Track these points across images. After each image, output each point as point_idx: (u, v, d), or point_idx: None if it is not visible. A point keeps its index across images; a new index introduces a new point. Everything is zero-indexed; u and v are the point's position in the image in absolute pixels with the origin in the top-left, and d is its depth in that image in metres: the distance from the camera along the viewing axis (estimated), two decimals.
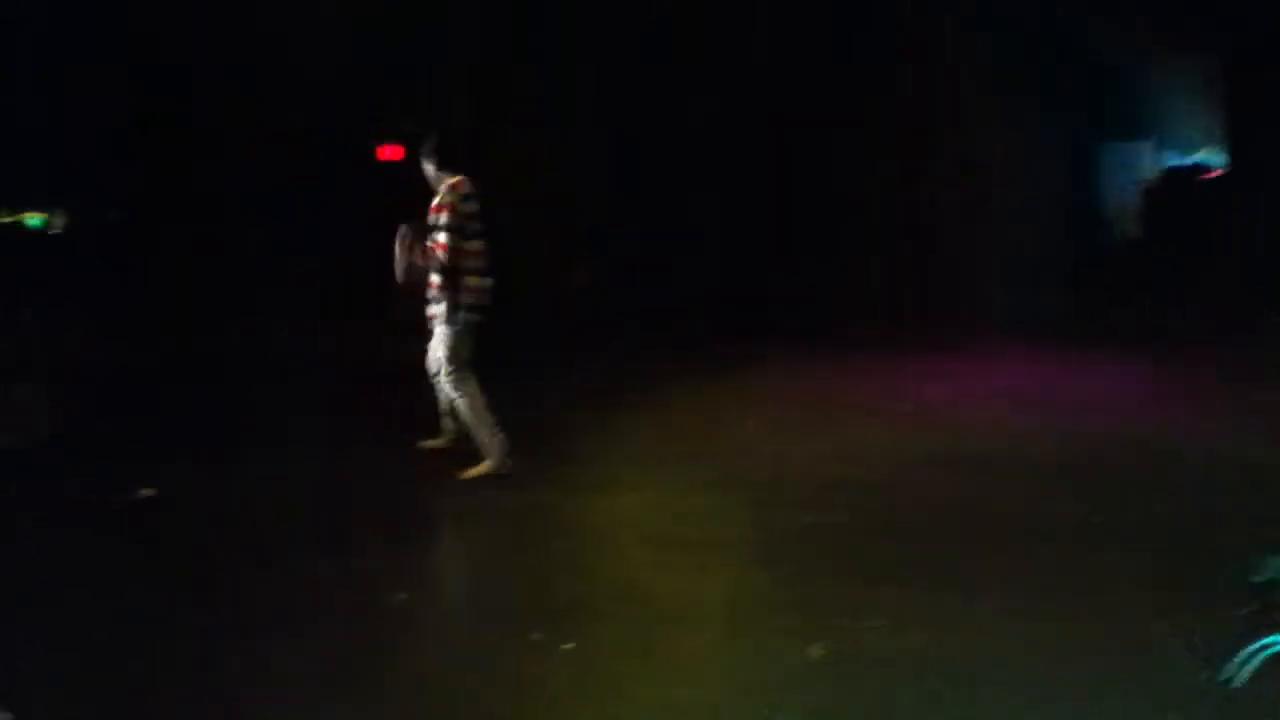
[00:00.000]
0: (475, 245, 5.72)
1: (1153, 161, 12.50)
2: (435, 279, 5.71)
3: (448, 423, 6.09)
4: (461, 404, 5.77)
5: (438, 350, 5.81)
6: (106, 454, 6.43)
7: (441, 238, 5.65)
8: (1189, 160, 11.96)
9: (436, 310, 5.75)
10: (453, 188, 5.72)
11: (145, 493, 5.55)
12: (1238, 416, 6.71)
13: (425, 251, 5.76)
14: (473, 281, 5.70)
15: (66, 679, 3.55)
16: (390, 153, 10.67)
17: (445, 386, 5.84)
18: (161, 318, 9.48)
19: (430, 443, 6.16)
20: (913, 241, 10.40)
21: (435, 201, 5.76)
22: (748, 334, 9.91)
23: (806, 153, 10.64)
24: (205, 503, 5.54)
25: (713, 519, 5.18)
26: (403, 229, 5.90)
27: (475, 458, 5.77)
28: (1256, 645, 1.81)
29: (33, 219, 10.66)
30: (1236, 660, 1.82)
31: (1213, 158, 11.68)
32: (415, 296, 5.89)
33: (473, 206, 5.72)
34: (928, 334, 9.06)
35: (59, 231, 10.65)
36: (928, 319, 9.52)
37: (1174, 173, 11.63)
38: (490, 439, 5.73)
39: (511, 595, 4.29)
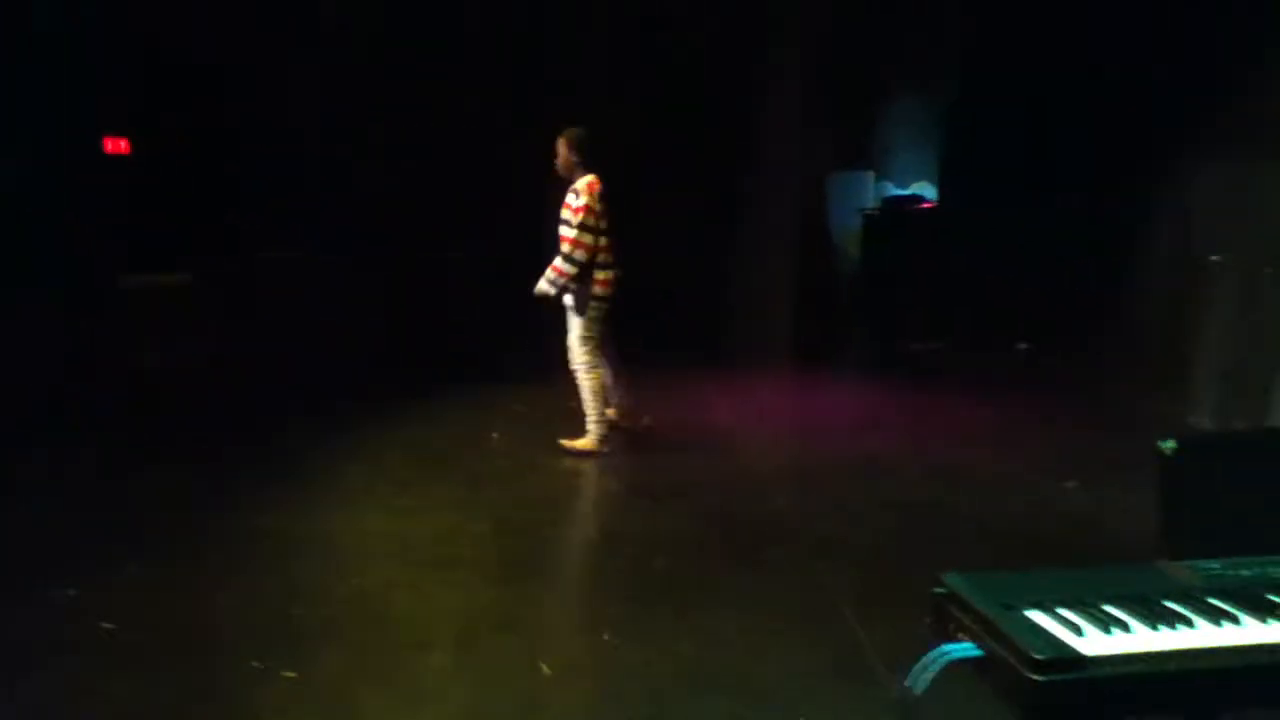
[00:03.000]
0: (604, 241, 6.21)
1: (874, 191, 13.40)
2: (564, 268, 6.16)
3: (613, 398, 6.71)
4: (584, 383, 6.40)
5: (570, 336, 6.38)
6: None
7: (574, 234, 6.12)
8: (906, 191, 12.89)
9: (568, 301, 6.30)
10: (588, 188, 6.17)
11: None
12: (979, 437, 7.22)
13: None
14: (601, 275, 6.23)
15: None
16: (114, 145, 9.89)
17: (574, 366, 6.39)
18: None
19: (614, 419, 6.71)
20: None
21: (570, 199, 6.20)
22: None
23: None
24: None
25: (457, 537, 5.13)
26: None
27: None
28: (934, 654, 1.99)
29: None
30: (916, 667, 1.98)
31: (927, 190, 12.64)
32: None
33: (603, 205, 6.21)
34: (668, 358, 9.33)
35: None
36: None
37: (892, 202, 12.47)
38: (597, 420, 6.44)
39: (234, 622, 4.11)
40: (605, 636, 3.98)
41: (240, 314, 9.27)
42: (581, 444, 6.50)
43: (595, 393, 6.42)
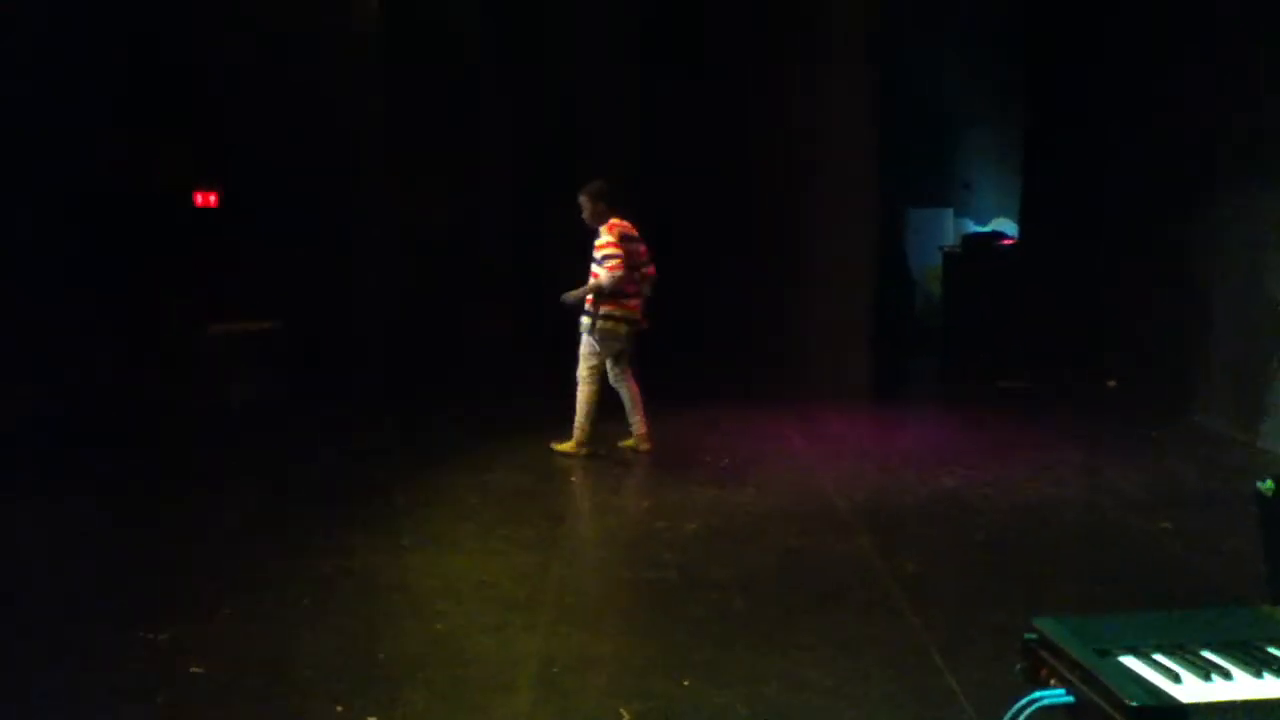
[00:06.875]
0: (628, 275, 6.95)
1: (955, 227, 13.28)
2: (593, 296, 6.93)
3: (632, 419, 7.27)
4: (580, 391, 7.11)
5: (580, 348, 7.09)
6: None
7: (601, 271, 6.87)
8: (986, 228, 12.73)
9: (585, 321, 7.00)
10: (609, 229, 6.93)
11: None
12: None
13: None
14: (624, 303, 7.02)
15: None
16: (204, 199, 10.20)
17: (580, 375, 7.09)
18: None
19: (623, 443, 7.37)
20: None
21: (599, 239, 6.94)
22: None
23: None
24: None
25: (536, 577, 5.14)
26: None
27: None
28: (1024, 700, 1.93)
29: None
30: (1008, 715, 1.93)
31: (1007, 226, 12.46)
32: None
33: (629, 246, 6.97)
34: (743, 391, 9.29)
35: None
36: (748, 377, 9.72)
37: (972, 239, 12.33)
38: (581, 426, 7.14)
39: (319, 664, 4.15)
40: (686, 682, 3.94)
41: (321, 357, 9.47)
42: (565, 446, 7.21)
43: (586, 401, 7.10)
